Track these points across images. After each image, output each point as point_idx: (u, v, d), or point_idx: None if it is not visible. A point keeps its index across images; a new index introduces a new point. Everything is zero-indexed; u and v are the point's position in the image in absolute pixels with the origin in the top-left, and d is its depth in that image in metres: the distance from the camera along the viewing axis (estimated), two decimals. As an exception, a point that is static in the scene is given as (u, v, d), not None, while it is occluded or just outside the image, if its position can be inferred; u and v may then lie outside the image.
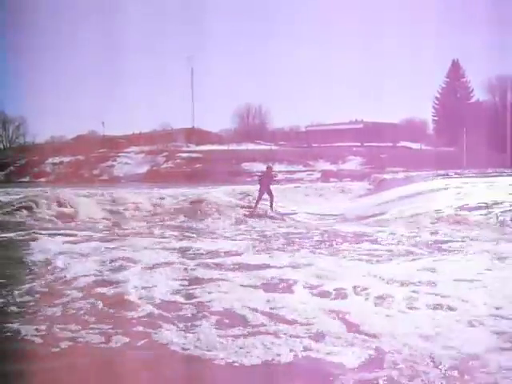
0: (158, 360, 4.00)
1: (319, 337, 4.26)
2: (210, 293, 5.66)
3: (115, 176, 44.07)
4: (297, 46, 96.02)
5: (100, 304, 5.27)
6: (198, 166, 44.06)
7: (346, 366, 3.71)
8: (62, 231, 11.02)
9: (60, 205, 14.17)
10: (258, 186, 16.02)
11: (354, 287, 5.72)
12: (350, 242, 9.32)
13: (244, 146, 51.65)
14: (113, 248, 8.70)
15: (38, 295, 5.66)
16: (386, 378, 3.51)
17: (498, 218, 11.32)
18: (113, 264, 7.29)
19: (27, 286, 6.02)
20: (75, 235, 10.37)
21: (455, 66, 56.42)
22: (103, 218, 13.76)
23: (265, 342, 4.16)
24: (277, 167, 36.79)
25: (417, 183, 19.81)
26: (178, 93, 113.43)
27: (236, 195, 17.88)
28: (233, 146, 52.24)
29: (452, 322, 4.56)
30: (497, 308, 4.91)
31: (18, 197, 16.34)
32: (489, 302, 5.10)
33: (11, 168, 49.04)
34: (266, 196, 15.60)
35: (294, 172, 39.81)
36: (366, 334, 4.27)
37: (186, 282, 6.18)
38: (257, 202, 15.41)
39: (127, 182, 37.20)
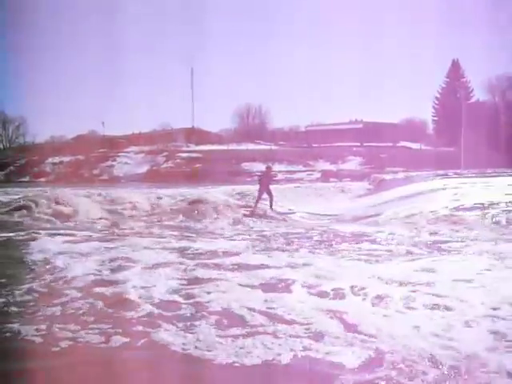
0: (157, 360, 4.02)
1: (318, 337, 4.27)
2: (208, 293, 5.67)
3: (115, 176, 44.10)
4: (297, 46, 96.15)
5: (99, 304, 5.28)
6: (197, 165, 44.09)
7: (346, 366, 3.71)
8: (61, 231, 11.03)
9: (59, 205, 14.18)
10: (257, 186, 16.05)
11: (352, 287, 5.74)
12: (349, 241, 9.34)
13: (244, 146, 51.68)
14: (112, 248, 8.71)
15: (37, 295, 5.68)
16: (385, 377, 3.52)
17: (493, 218, 11.35)
18: (112, 264, 7.31)
19: (27, 285, 6.03)
20: (74, 235, 10.39)
21: (455, 66, 56.45)
22: (102, 218, 13.76)
23: (264, 341, 4.17)
24: (277, 167, 36.82)
25: (415, 184, 19.84)
26: (178, 93, 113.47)
27: (235, 195, 17.91)
28: (233, 146, 52.29)
29: (450, 322, 4.56)
30: (495, 308, 4.92)
31: (17, 196, 16.36)
32: (486, 302, 5.11)
33: (11, 168, 49.06)
34: (265, 196, 15.63)
35: (294, 172, 39.87)
36: (366, 334, 4.28)
37: (185, 282, 6.20)
38: (256, 202, 15.44)
39: (127, 182, 37.20)
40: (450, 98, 54.54)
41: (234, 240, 9.89)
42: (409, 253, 8.13)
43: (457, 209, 12.72)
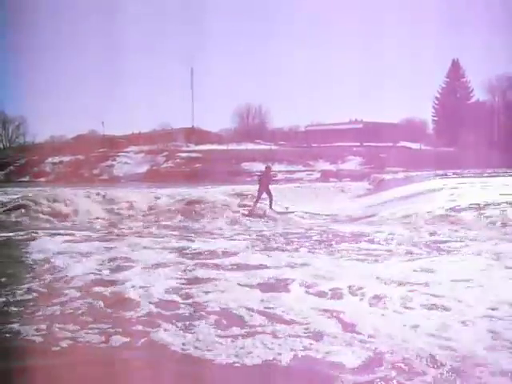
0: (156, 360, 4.02)
1: (317, 337, 4.28)
2: (207, 292, 5.68)
3: (115, 176, 44.06)
4: (297, 46, 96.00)
5: (99, 303, 5.30)
6: (197, 165, 44.03)
7: (345, 365, 3.73)
8: (60, 231, 11.06)
9: (58, 204, 14.19)
10: (257, 186, 16.05)
11: (350, 286, 5.75)
12: (348, 241, 9.34)
13: (244, 146, 51.64)
14: (111, 248, 8.73)
15: (36, 294, 5.69)
16: (384, 377, 3.54)
17: (488, 218, 11.40)
18: (111, 264, 7.33)
19: (26, 285, 6.04)
20: (73, 235, 10.42)
21: (455, 66, 56.40)
22: (101, 218, 13.78)
23: (264, 341, 4.18)
24: (276, 167, 36.81)
25: (414, 184, 19.86)
26: (178, 93, 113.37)
27: (235, 195, 17.88)
28: (232, 146, 52.23)
29: (448, 322, 4.57)
30: (493, 309, 4.93)
31: (16, 196, 16.37)
32: (484, 302, 5.11)
33: (11, 167, 49.01)
34: (265, 195, 15.63)
35: (294, 172, 39.81)
36: (365, 334, 4.29)
37: (184, 282, 6.21)
38: (255, 202, 15.44)
39: (127, 182, 37.20)
40: (449, 98, 54.53)
41: (233, 240, 9.90)
42: (408, 253, 8.13)
43: (453, 209, 12.75)
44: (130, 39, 74.89)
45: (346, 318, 4.73)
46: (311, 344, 4.11)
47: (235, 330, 4.45)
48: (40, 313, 5.03)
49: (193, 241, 9.67)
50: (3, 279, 6.42)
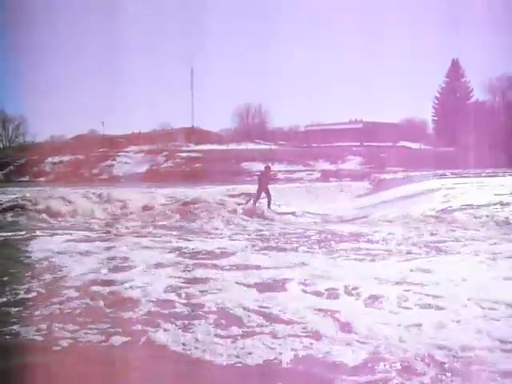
0: (155, 359, 4.03)
1: (316, 336, 4.29)
2: (205, 292, 5.68)
3: (115, 175, 44.13)
4: (297, 46, 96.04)
5: (98, 303, 5.30)
6: (197, 165, 44.08)
7: (344, 365, 3.73)
8: (58, 231, 11.06)
9: (56, 204, 14.19)
10: (257, 186, 16.05)
11: (346, 286, 5.76)
12: (346, 241, 9.35)
13: (244, 146, 51.66)
14: (109, 247, 8.74)
15: (36, 294, 5.69)
16: (383, 377, 3.55)
17: (481, 218, 11.45)
18: (110, 263, 7.34)
19: (26, 285, 6.05)
20: (71, 234, 10.43)
21: (455, 66, 56.41)
22: (100, 218, 13.79)
23: (264, 341, 4.19)
24: (276, 167, 36.82)
25: (413, 184, 19.91)
26: (178, 93, 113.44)
27: (235, 195, 17.91)
28: (232, 146, 52.27)
29: (446, 322, 4.57)
30: (488, 308, 4.93)
31: (14, 196, 16.38)
32: (480, 302, 5.12)
33: (11, 167, 49.07)
34: (264, 195, 15.62)
35: (294, 172, 39.84)
36: (364, 334, 4.30)
37: (183, 281, 6.21)
38: (254, 202, 15.44)
39: (127, 182, 37.22)
40: (449, 98, 54.54)
41: (232, 240, 9.91)
42: (404, 253, 8.14)
43: (444, 210, 12.80)
44: (130, 39, 75.03)
45: (346, 318, 4.73)
46: (311, 343, 4.12)
47: (235, 330, 4.45)
48: (40, 312, 5.03)
49: (190, 240, 9.67)
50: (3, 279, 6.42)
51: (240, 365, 3.80)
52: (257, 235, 10.61)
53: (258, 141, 57.39)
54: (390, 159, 40.39)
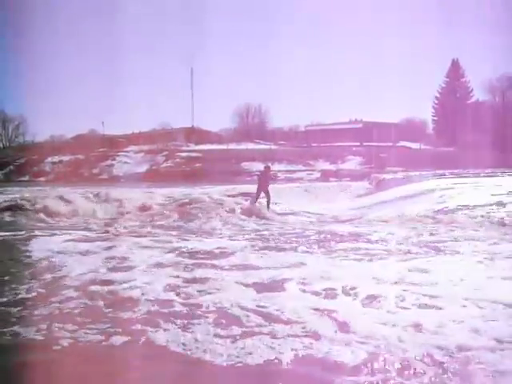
0: (155, 359, 4.04)
1: (316, 336, 4.30)
2: (204, 292, 5.69)
3: (115, 175, 44.10)
4: (297, 46, 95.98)
5: (98, 303, 5.32)
6: (197, 165, 44.04)
7: (344, 365, 3.75)
8: (57, 231, 11.07)
9: (55, 204, 14.21)
10: (257, 186, 16.05)
11: (346, 286, 5.77)
12: (346, 241, 9.36)
13: (244, 146, 51.64)
14: (109, 247, 8.75)
15: (35, 294, 5.71)
16: (383, 377, 3.56)
17: (476, 218, 11.51)
18: (109, 263, 7.35)
19: (26, 285, 6.06)
20: (70, 234, 10.44)
21: (455, 66, 56.41)
22: (99, 218, 13.80)
23: (264, 341, 4.20)
24: (276, 167, 36.84)
25: (413, 184, 19.93)
26: (178, 93, 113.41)
27: (234, 195, 17.91)
28: (232, 146, 52.23)
29: (445, 321, 4.59)
30: (486, 308, 4.95)
31: (13, 196, 16.39)
32: (477, 301, 5.13)
33: (11, 167, 49.03)
34: (263, 195, 15.63)
35: (294, 171, 39.83)
36: (363, 334, 4.31)
37: (182, 281, 6.22)
38: (254, 202, 15.45)
39: (127, 181, 37.22)
40: (449, 98, 54.55)
41: (231, 240, 9.92)
42: (403, 253, 8.15)
43: (440, 211, 12.82)
44: (129, 39, 74.96)
45: (339, 318, 4.75)
46: (311, 343, 4.13)
47: (235, 330, 4.46)
48: (40, 312, 5.05)
49: (189, 240, 9.69)
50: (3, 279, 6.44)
51: (240, 365, 3.82)
52: (256, 235, 10.62)
53: (257, 141, 57.38)
54: (390, 159, 40.39)
